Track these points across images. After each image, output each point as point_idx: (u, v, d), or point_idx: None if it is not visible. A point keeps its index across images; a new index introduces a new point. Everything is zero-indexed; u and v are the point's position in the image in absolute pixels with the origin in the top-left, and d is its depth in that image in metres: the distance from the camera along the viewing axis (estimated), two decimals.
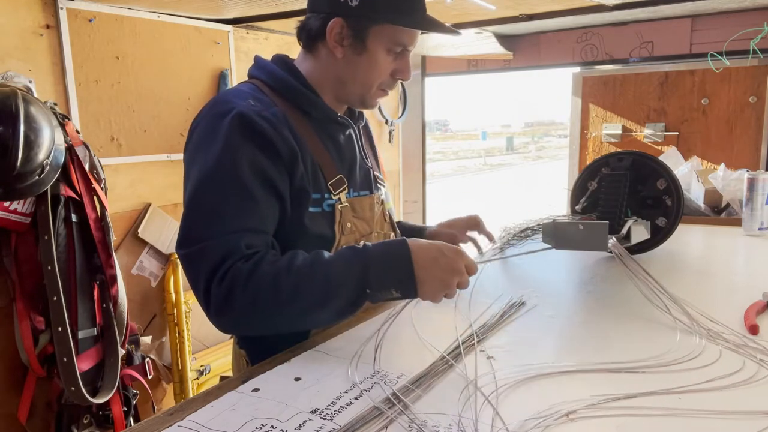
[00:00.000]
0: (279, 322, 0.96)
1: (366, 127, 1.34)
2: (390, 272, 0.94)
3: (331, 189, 1.10)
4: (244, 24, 2.80)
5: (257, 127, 1.00)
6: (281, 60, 1.15)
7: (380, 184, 1.27)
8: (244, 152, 0.99)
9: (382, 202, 1.26)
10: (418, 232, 1.40)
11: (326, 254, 0.97)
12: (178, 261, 2.52)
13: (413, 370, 0.87)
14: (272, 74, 1.12)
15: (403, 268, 0.94)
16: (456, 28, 3.34)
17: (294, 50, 1.17)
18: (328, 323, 1.03)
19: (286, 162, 1.03)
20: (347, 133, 1.18)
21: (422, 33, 1.14)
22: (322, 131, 1.13)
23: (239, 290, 0.91)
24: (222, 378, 1.29)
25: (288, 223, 1.05)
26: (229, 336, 2.85)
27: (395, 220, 1.34)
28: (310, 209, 1.07)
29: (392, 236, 1.27)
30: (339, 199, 1.11)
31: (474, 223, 1.38)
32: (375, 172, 1.25)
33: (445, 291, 0.96)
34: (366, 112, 1.31)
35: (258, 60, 1.16)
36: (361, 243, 1.01)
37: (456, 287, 0.97)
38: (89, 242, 1.99)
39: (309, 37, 1.11)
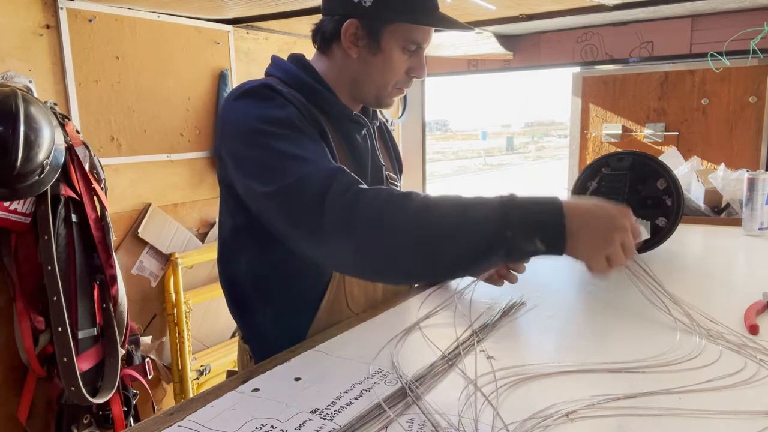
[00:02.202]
0: (401, 251, 0.83)
1: (382, 126, 1.35)
2: (536, 213, 0.80)
3: None
4: (244, 24, 2.80)
5: (292, 102, 1.02)
6: (297, 59, 1.16)
7: (392, 183, 1.27)
8: (293, 113, 1.00)
9: None
10: None
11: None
12: (178, 261, 2.52)
13: (413, 369, 0.87)
14: (288, 72, 1.13)
15: (552, 212, 0.80)
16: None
17: (294, 50, 1.17)
18: (453, 269, 0.91)
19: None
20: (362, 132, 1.19)
21: (436, 31, 1.15)
22: (337, 128, 1.13)
23: (364, 203, 0.83)
24: (229, 372, 1.30)
25: None
26: (229, 335, 2.87)
27: None
28: None
29: None
30: None
31: None
32: (387, 172, 1.26)
33: (605, 249, 0.81)
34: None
35: (274, 59, 1.18)
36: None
37: (624, 252, 0.82)
38: (89, 242, 1.99)
39: (324, 39, 1.12)
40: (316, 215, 0.85)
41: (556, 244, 0.81)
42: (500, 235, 0.80)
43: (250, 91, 1.02)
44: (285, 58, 1.18)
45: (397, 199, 0.84)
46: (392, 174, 1.29)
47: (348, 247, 0.85)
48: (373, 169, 1.20)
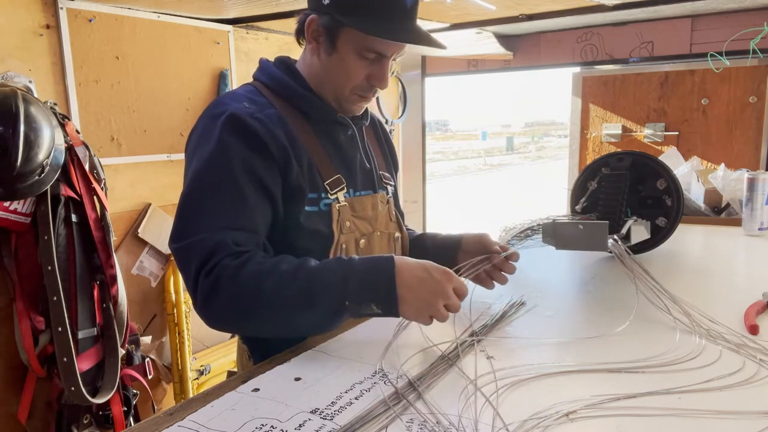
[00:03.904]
0: (258, 323, 0.96)
1: (376, 125, 1.34)
2: (371, 287, 0.92)
3: (328, 188, 1.10)
4: (244, 24, 2.80)
5: (249, 128, 1.01)
6: (282, 62, 1.16)
7: (386, 183, 1.26)
8: (236, 152, 1.00)
9: (388, 201, 1.25)
10: (455, 243, 1.26)
11: (313, 262, 0.96)
12: None
13: (413, 370, 0.87)
14: (271, 76, 1.13)
15: (384, 284, 0.92)
16: (456, 28, 3.29)
17: (294, 50, 1.18)
18: (307, 332, 1.01)
19: (278, 162, 1.03)
20: (348, 132, 1.18)
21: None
22: (320, 131, 1.13)
23: (224, 285, 0.92)
24: (229, 373, 1.30)
25: (284, 222, 1.06)
26: (229, 335, 2.87)
27: (403, 219, 1.34)
28: (307, 208, 1.07)
29: (397, 236, 1.27)
30: (336, 198, 1.11)
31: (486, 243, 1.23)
32: (381, 172, 1.25)
33: (429, 313, 0.93)
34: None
35: (261, 62, 1.18)
36: (349, 256, 1.01)
37: (445, 310, 0.93)
38: (89, 242, 1.99)
39: (296, 32, 1.13)
40: (192, 286, 0.96)
41: (389, 310, 0.93)
42: (341, 305, 0.92)
43: (212, 118, 1.03)
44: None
45: (251, 282, 0.92)
46: (386, 173, 1.28)
47: (214, 319, 0.97)
48: (362, 170, 1.19)
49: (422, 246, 1.32)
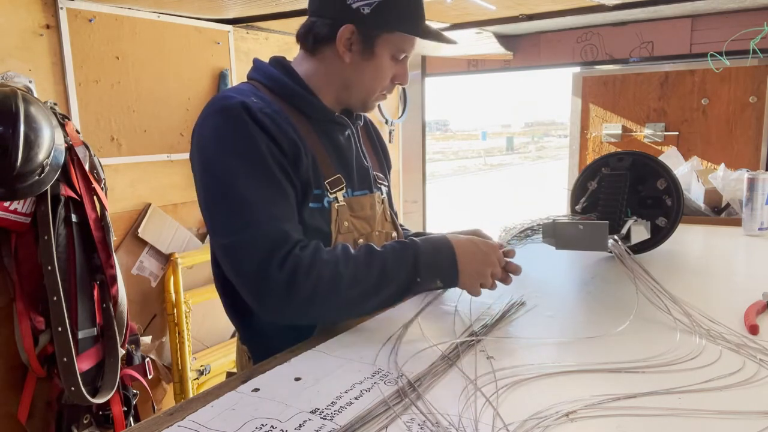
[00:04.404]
0: (337, 308, 1.01)
1: (368, 125, 1.34)
2: (438, 264, 1.05)
3: (328, 187, 1.10)
4: (244, 24, 2.80)
5: (262, 121, 1.02)
6: (278, 62, 1.16)
7: (380, 183, 1.26)
8: (262, 142, 1.01)
9: (383, 201, 1.26)
10: None
11: (377, 246, 1.05)
12: (178, 261, 2.52)
13: (413, 370, 0.87)
14: (269, 75, 1.13)
15: (448, 259, 1.05)
16: (456, 28, 3.30)
17: (294, 51, 1.17)
18: (376, 309, 1.08)
19: (290, 156, 1.04)
20: (346, 133, 1.18)
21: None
22: (320, 131, 1.13)
23: (303, 276, 0.95)
24: (228, 374, 1.30)
25: None
26: (229, 335, 2.87)
27: (398, 219, 1.34)
28: (311, 205, 1.08)
29: (394, 235, 1.27)
30: (336, 198, 1.11)
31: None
32: (375, 172, 1.25)
33: (480, 280, 1.07)
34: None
35: (256, 62, 1.18)
36: (408, 238, 1.09)
37: (493, 279, 1.08)
38: (89, 242, 1.99)
39: (315, 40, 1.12)
40: (258, 280, 0.96)
41: (451, 282, 1.08)
42: (412, 283, 1.04)
43: (227, 110, 1.02)
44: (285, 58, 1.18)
45: (330, 270, 0.98)
46: (380, 174, 1.28)
47: (292, 311, 0.99)
48: (359, 170, 1.19)
49: None
